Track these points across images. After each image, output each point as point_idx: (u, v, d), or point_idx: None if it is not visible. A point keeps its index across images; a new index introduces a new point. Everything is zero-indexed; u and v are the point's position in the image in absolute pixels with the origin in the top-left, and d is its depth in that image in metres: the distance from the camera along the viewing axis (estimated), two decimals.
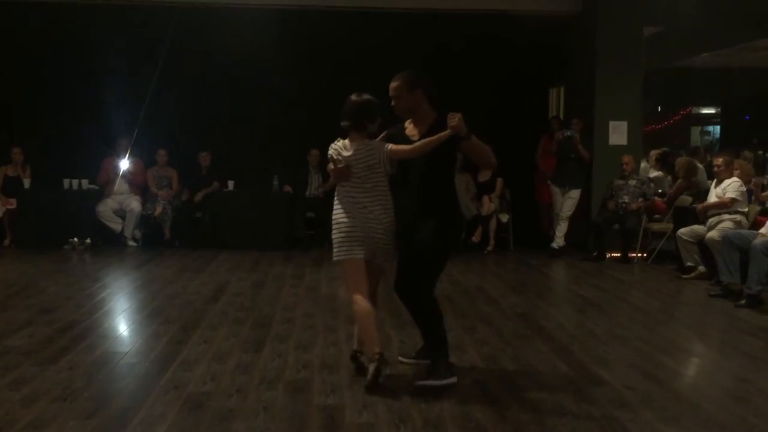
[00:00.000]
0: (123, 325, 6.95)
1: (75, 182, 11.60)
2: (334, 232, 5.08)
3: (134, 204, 11.70)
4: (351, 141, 5.09)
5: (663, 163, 12.58)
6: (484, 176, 11.60)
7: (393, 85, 5.14)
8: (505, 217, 11.72)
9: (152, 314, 7.13)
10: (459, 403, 4.72)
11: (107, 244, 11.49)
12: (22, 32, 11.88)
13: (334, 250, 5.07)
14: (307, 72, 12.22)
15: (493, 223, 11.48)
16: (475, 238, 11.48)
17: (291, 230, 11.65)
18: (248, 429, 4.26)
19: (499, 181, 11.69)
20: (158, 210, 11.68)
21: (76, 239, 11.19)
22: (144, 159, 12.10)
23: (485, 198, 11.52)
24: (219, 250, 11.10)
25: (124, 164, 11.88)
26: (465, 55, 12.32)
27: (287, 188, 11.90)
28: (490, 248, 11.45)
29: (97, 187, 11.83)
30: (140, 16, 11.86)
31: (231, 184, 11.83)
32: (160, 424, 4.30)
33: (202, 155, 12.11)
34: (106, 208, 11.63)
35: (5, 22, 11.74)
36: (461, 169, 10.05)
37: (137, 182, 11.95)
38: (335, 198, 5.13)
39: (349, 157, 5.04)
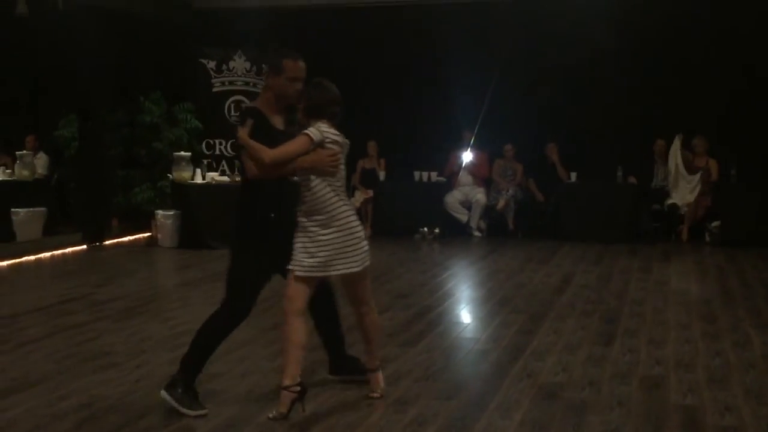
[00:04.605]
0: (473, 312, 7.24)
1: (424, 174, 12.23)
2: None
3: (479, 196, 12.07)
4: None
5: None
6: None
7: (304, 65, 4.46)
8: None
9: (500, 303, 7.32)
10: None
11: (454, 233, 11.98)
12: (379, 36, 12.64)
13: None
14: (650, 60, 11.81)
15: None
16: None
17: (636, 222, 11.35)
18: (603, 422, 4.23)
19: None
20: (501, 204, 11.92)
21: (426, 229, 11.79)
22: (488, 151, 12.42)
23: None
24: (562, 241, 11.10)
25: (467, 156, 12.31)
26: None
27: (632, 179, 11.61)
28: None
29: (444, 180, 12.36)
30: (480, 14, 12.20)
31: (574, 175, 11.78)
32: (516, 410, 4.41)
33: (549, 146, 12.16)
34: (452, 200, 12.14)
35: (369, 27, 12.58)
36: None
37: (480, 174, 12.30)
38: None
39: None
